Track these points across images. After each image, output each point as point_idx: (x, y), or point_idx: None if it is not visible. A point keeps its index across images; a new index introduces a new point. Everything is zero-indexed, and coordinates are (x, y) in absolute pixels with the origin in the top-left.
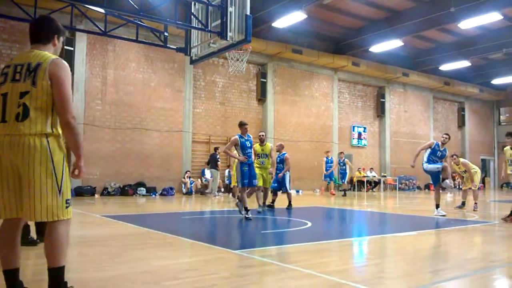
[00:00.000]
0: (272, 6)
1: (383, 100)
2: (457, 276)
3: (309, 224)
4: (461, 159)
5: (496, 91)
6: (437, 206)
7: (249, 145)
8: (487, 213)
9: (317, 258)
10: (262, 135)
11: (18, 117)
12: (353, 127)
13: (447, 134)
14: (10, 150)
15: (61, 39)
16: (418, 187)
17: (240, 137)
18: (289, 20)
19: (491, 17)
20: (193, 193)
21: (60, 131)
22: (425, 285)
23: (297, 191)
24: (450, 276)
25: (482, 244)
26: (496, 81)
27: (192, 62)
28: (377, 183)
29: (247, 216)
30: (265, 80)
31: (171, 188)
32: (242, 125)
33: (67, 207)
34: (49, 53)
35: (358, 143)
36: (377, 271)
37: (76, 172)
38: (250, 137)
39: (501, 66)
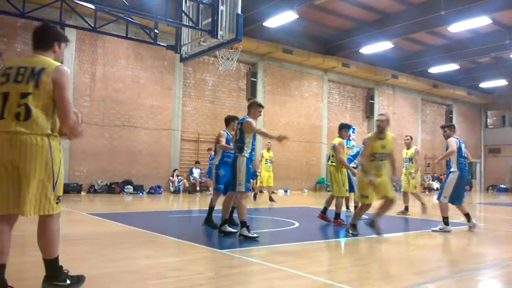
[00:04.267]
0: (264, 5)
1: (372, 101)
2: (441, 277)
3: (297, 224)
4: (415, 146)
5: (484, 94)
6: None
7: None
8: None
9: (304, 259)
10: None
11: (19, 116)
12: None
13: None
14: (10, 147)
15: (62, 45)
16: None
17: (227, 132)
18: (280, 20)
19: (481, 21)
20: (181, 191)
21: (57, 133)
22: (409, 285)
23: (285, 191)
24: (435, 277)
25: (467, 246)
26: (484, 85)
27: (182, 60)
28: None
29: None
30: (255, 80)
31: (159, 187)
32: (231, 119)
33: (57, 202)
34: (52, 60)
35: (347, 143)
36: (363, 272)
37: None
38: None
39: (489, 70)
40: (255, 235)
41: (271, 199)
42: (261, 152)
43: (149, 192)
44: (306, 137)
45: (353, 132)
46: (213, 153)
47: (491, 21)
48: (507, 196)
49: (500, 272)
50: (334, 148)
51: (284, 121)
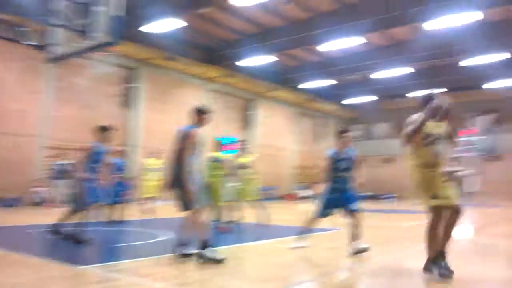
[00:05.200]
0: (146, 9)
1: (251, 112)
2: (298, 283)
3: (166, 236)
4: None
5: (351, 109)
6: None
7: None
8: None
9: (171, 271)
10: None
11: None
12: (221, 138)
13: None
14: None
15: None
16: (278, 197)
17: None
18: (163, 26)
19: (353, 41)
20: (44, 203)
21: None
22: None
23: (162, 201)
24: (294, 282)
25: (326, 250)
26: (352, 100)
27: (51, 61)
28: None
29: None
30: (134, 85)
31: (17, 199)
32: (105, 130)
33: None
34: None
35: (228, 153)
36: (225, 280)
37: None
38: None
39: (357, 87)
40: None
41: (147, 211)
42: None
43: (6, 205)
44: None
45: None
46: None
47: (359, 42)
48: (367, 203)
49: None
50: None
51: (163, 129)
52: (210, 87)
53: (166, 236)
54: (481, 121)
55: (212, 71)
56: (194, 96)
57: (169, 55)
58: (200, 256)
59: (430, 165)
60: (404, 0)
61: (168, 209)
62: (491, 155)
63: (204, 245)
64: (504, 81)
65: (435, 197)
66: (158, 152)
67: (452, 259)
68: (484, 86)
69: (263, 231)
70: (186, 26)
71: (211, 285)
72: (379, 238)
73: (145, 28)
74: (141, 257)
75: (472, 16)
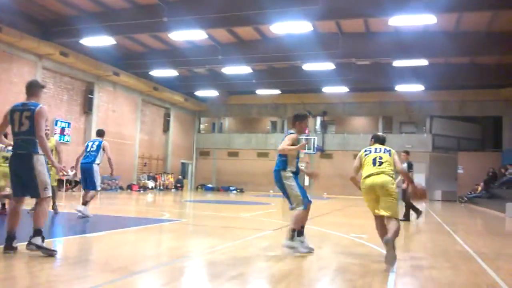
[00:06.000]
0: None
1: (92, 96)
2: (137, 271)
3: None
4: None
5: (198, 102)
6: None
7: None
8: (181, 212)
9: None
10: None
11: None
12: (56, 121)
13: None
14: None
15: None
16: (121, 187)
17: None
18: None
19: (198, 35)
20: None
21: None
22: (103, 283)
23: None
24: (131, 272)
25: (168, 240)
26: (199, 93)
27: None
28: (78, 183)
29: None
30: None
31: None
32: None
33: None
34: None
35: (61, 138)
36: (51, 275)
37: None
38: None
39: (203, 80)
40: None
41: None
42: None
43: None
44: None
45: (68, 127)
46: None
47: (207, 36)
48: (212, 194)
49: (200, 259)
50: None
51: None
52: (44, 64)
53: None
54: (313, 121)
55: (47, 48)
56: (25, 74)
57: None
58: (34, 245)
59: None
60: (246, 1)
61: None
62: (321, 152)
63: (38, 234)
64: (335, 87)
65: None
66: None
67: None
68: (324, 89)
69: (105, 223)
70: None
71: (18, 282)
72: (222, 228)
73: None
74: None
75: (304, 26)
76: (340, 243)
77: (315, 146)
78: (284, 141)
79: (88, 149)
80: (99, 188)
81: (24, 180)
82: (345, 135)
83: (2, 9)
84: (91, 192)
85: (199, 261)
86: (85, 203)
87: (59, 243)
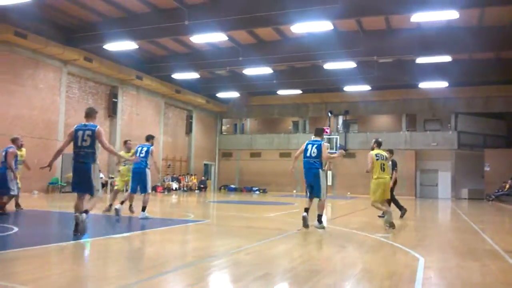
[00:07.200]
0: None
1: (116, 100)
2: (165, 272)
3: (15, 229)
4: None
5: (220, 103)
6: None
7: None
8: (205, 213)
9: (13, 267)
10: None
11: None
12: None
13: None
14: None
15: None
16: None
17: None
18: None
19: (218, 37)
20: None
21: None
22: (131, 283)
23: None
24: (158, 272)
25: (194, 240)
26: (220, 95)
27: None
28: (104, 185)
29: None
30: None
31: None
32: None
33: None
34: None
35: None
36: (76, 277)
37: None
38: None
39: (225, 82)
40: None
41: None
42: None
43: None
44: (40, 132)
45: None
46: None
47: (227, 38)
48: (236, 195)
49: (225, 260)
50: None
51: (13, 113)
52: (69, 69)
53: (13, 229)
54: (335, 120)
55: (71, 53)
56: (51, 79)
57: (19, 31)
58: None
59: None
60: (266, 2)
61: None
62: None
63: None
64: (356, 86)
65: None
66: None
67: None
68: (345, 88)
69: (131, 223)
70: (41, 0)
71: (54, 281)
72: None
73: None
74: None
75: (324, 25)
76: (365, 243)
77: (338, 145)
78: (324, 149)
79: (137, 154)
80: (150, 191)
81: (83, 181)
82: (368, 134)
83: (27, 16)
84: (146, 196)
85: (224, 261)
86: (143, 208)
87: (89, 244)
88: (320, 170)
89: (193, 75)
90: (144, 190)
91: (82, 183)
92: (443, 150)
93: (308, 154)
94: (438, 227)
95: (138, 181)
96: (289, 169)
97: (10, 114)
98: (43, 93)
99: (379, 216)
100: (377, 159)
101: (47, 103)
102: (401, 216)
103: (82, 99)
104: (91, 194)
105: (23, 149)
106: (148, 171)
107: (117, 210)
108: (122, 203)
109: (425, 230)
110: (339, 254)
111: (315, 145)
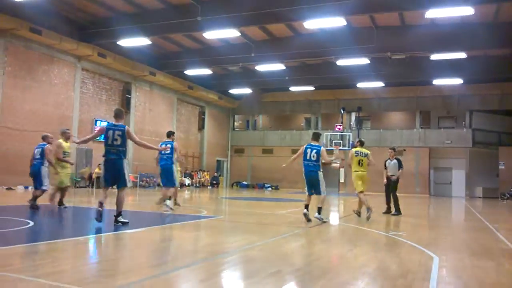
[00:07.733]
0: None
1: (129, 96)
2: (177, 268)
3: (31, 223)
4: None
5: (232, 100)
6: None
7: None
8: (218, 209)
9: (32, 261)
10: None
11: None
12: (96, 121)
13: None
14: None
15: None
16: (159, 185)
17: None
18: None
19: (231, 33)
20: None
21: None
22: (142, 279)
23: (26, 187)
24: (171, 268)
25: (206, 236)
26: (233, 91)
27: None
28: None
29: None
30: None
31: None
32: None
33: None
34: None
35: (101, 137)
36: (96, 270)
37: None
38: None
39: (237, 78)
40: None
41: None
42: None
43: None
44: (54, 128)
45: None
46: None
47: (239, 34)
48: (248, 191)
49: (238, 256)
50: None
51: (28, 109)
52: (83, 65)
53: (28, 224)
54: (348, 117)
55: (85, 49)
56: (65, 75)
57: (34, 27)
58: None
59: None
60: None
61: (24, 195)
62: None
63: (120, 214)
64: (370, 82)
65: None
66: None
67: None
68: (358, 85)
69: (145, 219)
70: None
71: (73, 274)
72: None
73: None
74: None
75: (337, 21)
76: (379, 241)
77: (350, 142)
78: (324, 154)
79: (163, 152)
80: (178, 185)
81: (116, 176)
82: (381, 131)
83: (42, 13)
84: (171, 189)
85: (237, 257)
86: (169, 198)
87: (102, 239)
88: (319, 172)
89: (205, 71)
90: (171, 184)
91: (116, 177)
92: (458, 148)
93: (308, 158)
94: (452, 226)
95: (165, 176)
96: (282, 165)
97: (25, 110)
98: (57, 88)
99: (384, 213)
100: (356, 155)
101: (62, 98)
102: (384, 212)
103: (96, 95)
104: (125, 186)
105: (69, 142)
106: (174, 168)
107: (167, 206)
108: (169, 198)
109: (439, 229)
110: (352, 252)
111: (315, 150)
